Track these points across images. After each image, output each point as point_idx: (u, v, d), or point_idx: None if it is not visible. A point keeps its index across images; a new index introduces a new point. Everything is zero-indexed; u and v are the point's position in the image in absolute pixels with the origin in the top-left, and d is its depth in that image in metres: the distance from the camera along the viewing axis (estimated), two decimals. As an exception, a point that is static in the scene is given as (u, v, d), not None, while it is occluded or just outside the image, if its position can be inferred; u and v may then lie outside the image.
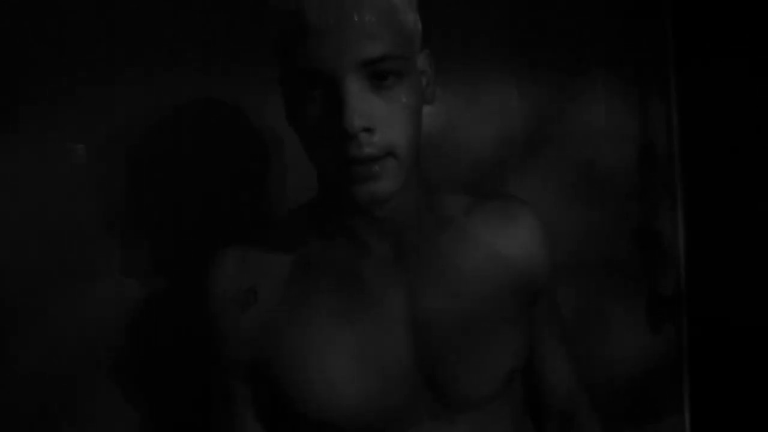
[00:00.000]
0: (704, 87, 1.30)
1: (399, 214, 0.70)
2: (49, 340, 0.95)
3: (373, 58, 0.59)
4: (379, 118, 0.60)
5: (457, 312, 0.71)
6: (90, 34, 0.95)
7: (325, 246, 0.72)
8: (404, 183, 0.64)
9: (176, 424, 1.01)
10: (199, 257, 0.77)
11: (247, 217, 1.04)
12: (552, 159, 1.26)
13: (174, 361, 0.99)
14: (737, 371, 1.26)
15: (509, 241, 0.76)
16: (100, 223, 0.97)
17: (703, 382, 1.36)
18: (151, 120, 0.99)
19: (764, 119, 1.15)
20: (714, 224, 1.31)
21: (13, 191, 0.92)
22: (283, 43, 0.61)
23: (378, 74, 0.60)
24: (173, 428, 1.01)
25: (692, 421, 1.38)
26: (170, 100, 0.99)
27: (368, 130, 0.59)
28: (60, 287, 0.95)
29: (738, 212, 1.24)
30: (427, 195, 0.74)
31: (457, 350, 0.70)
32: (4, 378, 0.93)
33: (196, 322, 0.76)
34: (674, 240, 1.37)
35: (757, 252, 1.19)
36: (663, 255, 1.36)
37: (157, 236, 1.00)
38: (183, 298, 0.94)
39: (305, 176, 0.76)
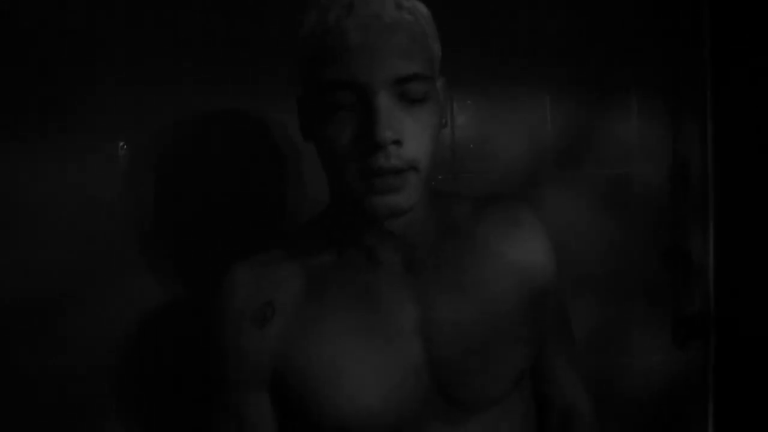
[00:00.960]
0: (740, 107, 1.29)
1: (410, 226, 0.73)
2: (71, 340, 0.99)
3: (406, 76, 0.63)
4: (407, 133, 0.63)
5: (467, 318, 0.73)
6: (122, 42, 1.00)
7: (337, 258, 0.75)
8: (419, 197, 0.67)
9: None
10: (219, 266, 0.78)
11: (267, 226, 1.07)
12: (583, 174, 1.27)
13: (188, 369, 1.02)
14: (763, 391, 1.25)
15: (515, 244, 0.79)
16: (124, 228, 1.01)
17: (727, 401, 1.35)
18: (176, 130, 1.03)
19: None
20: (744, 244, 1.30)
21: (36, 195, 0.97)
22: (315, 57, 0.64)
23: (407, 93, 0.63)
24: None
25: (716, 441, 1.38)
26: (192, 112, 1.04)
27: (397, 142, 0.62)
28: (82, 288, 0.99)
29: (770, 234, 1.23)
30: (433, 204, 0.77)
31: (468, 356, 0.72)
32: (23, 376, 0.97)
33: (207, 339, 0.75)
34: (704, 259, 1.36)
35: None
36: (692, 273, 1.35)
37: (179, 243, 1.04)
38: (200, 306, 0.96)
39: (321, 189, 0.78)
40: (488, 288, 0.75)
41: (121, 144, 1.00)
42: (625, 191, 1.29)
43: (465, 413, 0.73)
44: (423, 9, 0.68)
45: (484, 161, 1.19)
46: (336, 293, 0.73)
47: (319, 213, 0.80)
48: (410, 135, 0.63)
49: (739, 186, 1.31)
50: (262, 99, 1.05)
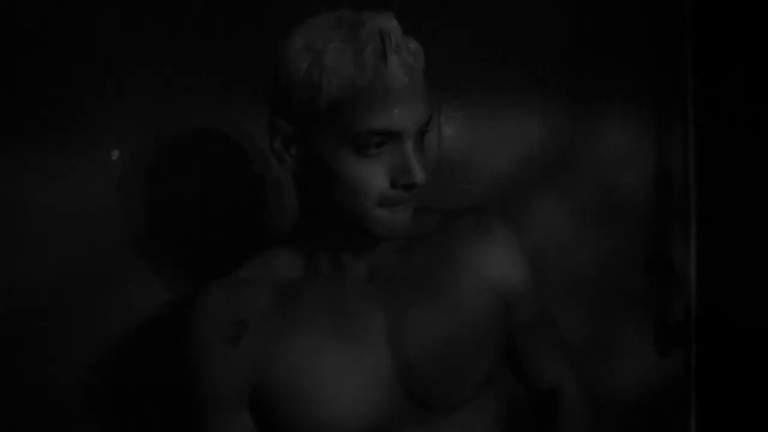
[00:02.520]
0: (722, 116, 1.32)
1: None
2: (66, 346, 0.99)
3: (428, 119, 0.68)
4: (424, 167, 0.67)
5: (434, 325, 0.75)
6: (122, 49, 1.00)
7: (307, 272, 0.76)
8: None
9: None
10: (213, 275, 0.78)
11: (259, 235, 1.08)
12: (569, 184, 1.29)
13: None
14: (745, 397, 1.28)
15: (481, 251, 0.80)
16: (120, 236, 1.01)
17: (710, 407, 1.38)
18: (172, 140, 1.04)
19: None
20: (726, 252, 1.32)
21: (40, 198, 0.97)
22: (339, 104, 0.64)
23: (421, 129, 0.67)
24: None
25: (698, 446, 1.40)
26: (187, 121, 1.04)
27: None
28: (79, 294, 0.99)
29: (750, 242, 1.25)
30: None
31: (435, 361, 0.74)
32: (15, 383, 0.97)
33: (184, 360, 0.75)
34: (686, 266, 1.38)
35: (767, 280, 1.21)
36: (674, 280, 1.37)
37: (174, 251, 1.04)
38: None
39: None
40: (454, 295, 0.77)
41: (116, 152, 1.00)
42: (608, 200, 1.32)
43: (437, 416, 0.74)
44: (417, 45, 0.70)
45: (472, 171, 1.20)
46: (306, 306, 0.74)
47: (285, 234, 0.81)
48: (425, 174, 0.67)
49: (720, 194, 1.33)
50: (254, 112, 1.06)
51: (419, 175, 0.65)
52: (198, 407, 0.74)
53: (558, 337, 0.90)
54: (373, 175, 0.66)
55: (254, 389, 0.72)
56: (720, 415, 1.35)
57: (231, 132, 1.06)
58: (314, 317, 0.73)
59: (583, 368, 0.90)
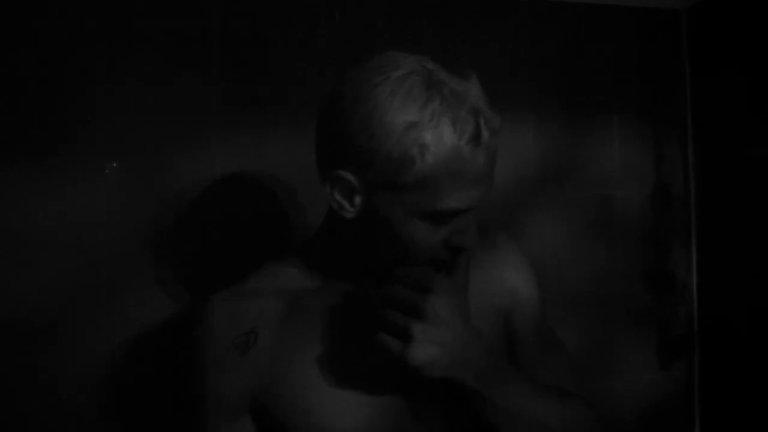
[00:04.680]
0: (720, 130, 1.33)
1: None
2: (70, 358, 0.99)
3: None
4: None
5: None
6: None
7: (318, 284, 0.77)
8: None
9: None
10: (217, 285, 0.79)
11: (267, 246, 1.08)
12: (568, 197, 1.29)
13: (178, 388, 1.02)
14: (748, 409, 1.27)
15: (490, 268, 0.82)
16: (127, 245, 1.02)
17: (713, 420, 1.37)
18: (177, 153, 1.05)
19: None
20: (726, 265, 1.33)
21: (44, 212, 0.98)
22: (433, 184, 0.64)
23: None
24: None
25: (702, 459, 1.39)
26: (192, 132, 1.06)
27: None
28: (84, 304, 1.00)
29: (750, 253, 1.26)
30: None
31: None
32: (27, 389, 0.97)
33: (190, 368, 0.76)
34: (688, 280, 1.38)
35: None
36: (676, 294, 1.37)
37: (179, 262, 1.05)
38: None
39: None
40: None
41: (112, 165, 1.01)
42: (608, 213, 1.32)
43: (439, 430, 0.75)
44: (498, 119, 0.69)
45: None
46: (315, 317, 0.75)
47: (298, 246, 0.82)
48: (477, 238, 0.70)
49: (720, 207, 1.34)
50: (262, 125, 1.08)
51: (473, 241, 0.68)
52: (202, 415, 0.74)
53: (564, 355, 0.89)
54: (432, 239, 0.67)
55: (258, 399, 0.72)
56: (723, 428, 1.34)
57: (242, 145, 1.08)
58: (322, 330, 0.74)
59: (584, 383, 0.90)
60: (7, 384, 0.97)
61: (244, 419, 0.73)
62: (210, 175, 1.06)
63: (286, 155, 1.08)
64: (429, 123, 0.61)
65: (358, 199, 0.67)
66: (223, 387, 0.72)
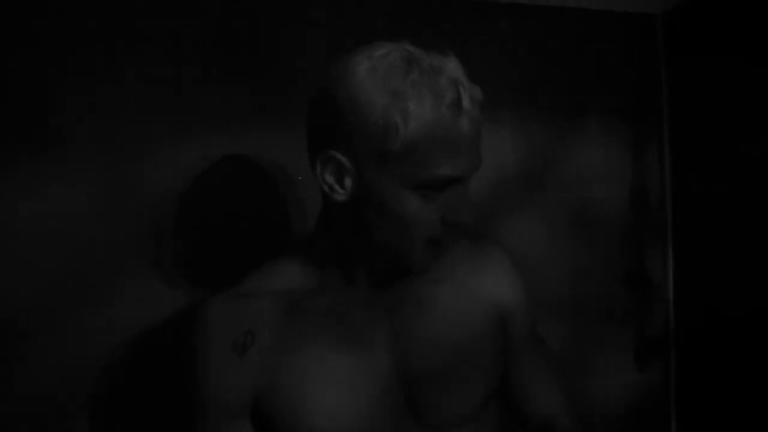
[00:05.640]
0: (696, 132, 1.34)
1: None
2: (58, 359, 0.98)
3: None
4: None
5: (436, 343, 0.77)
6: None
7: (317, 285, 0.77)
8: None
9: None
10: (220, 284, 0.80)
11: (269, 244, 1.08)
12: (546, 200, 1.30)
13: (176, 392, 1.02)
14: (723, 410, 1.28)
15: (482, 277, 0.83)
16: (128, 241, 1.02)
17: (689, 420, 1.38)
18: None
19: (753, 166, 1.19)
20: (702, 266, 1.34)
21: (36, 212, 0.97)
22: (418, 151, 0.65)
23: None
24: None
25: (679, 460, 1.40)
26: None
27: None
28: (79, 303, 0.99)
29: (726, 256, 1.27)
30: None
31: (435, 378, 0.75)
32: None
33: (189, 369, 0.76)
34: (664, 282, 1.40)
35: (744, 295, 1.22)
36: (652, 295, 1.38)
37: (179, 258, 1.05)
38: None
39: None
40: (456, 316, 0.79)
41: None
42: (585, 216, 1.33)
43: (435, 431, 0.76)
44: (481, 93, 0.71)
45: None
46: (313, 319, 0.74)
47: (296, 245, 0.82)
48: (472, 212, 0.71)
49: (696, 209, 1.35)
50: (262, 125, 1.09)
51: (468, 214, 0.68)
52: (200, 415, 0.74)
53: (555, 368, 0.90)
54: (428, 214, 0.68)
55: (257, 399, 0.72)
56: (699, 428, 1.36)
57: (240, 142, 1.08)
58: (320, 330, 0.74)
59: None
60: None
61: (243, 420, 0.73)
62: (210, 174, 1.06)
63: (287, 155, 1.08)
64: (410, 91, 0.64)
65: (348, 181, 0.68)
66: (222, 387, 0.72)
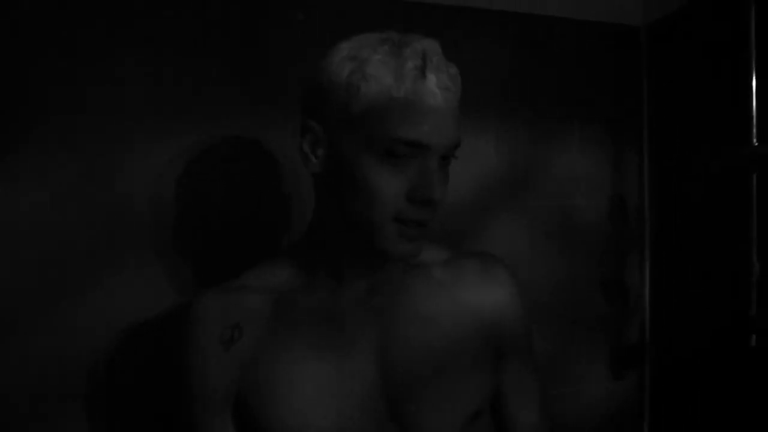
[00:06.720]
0: (675, 144, 1.36)
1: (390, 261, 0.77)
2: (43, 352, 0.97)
3: (457, 143, 0.70)
4: (443, 192, 0.69)
5: (424, 352, 0.76)
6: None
7: (307, 283, 0.77)
8: None
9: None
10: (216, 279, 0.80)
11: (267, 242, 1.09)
12: (527, 206, 1.31)
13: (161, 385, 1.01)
14: (697, 420, 1.30)
15: (481, 294, 0.82)
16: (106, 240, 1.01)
17: (663, 430, 1.40)
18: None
19: (730, 178, 1.20)
20: (679, 276, 1.36)
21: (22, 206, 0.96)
22: (375, 112, 0.66)
23: (446, 154, 0.69)
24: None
25: (652, 467, 1.42)
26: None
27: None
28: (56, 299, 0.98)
29: (702, 265, 1.29)
30: None
31: (421, 388, 0.74)
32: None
33: (176, 361, 0.77)
34: (641, 291, 1.41)
35: (719, 305, 1.23)
36: (629, 304, 1.40)
37: (179, 253, 1.05)
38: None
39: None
40: (448, 328, 0.78)
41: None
42: (563, 225, 1.34)
43: None
44: (457, 71, 0.72)
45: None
46: (301, 316, 0.75)
47: (291, 244, 0.84)
48: (443, 193, 0.69)
49: (674, 220, 1.37)
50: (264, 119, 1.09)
51: (437, 192, 0.66)
52: (186, 407, 0.75)
53: (542, 395, 0.89)
54: (393, 186, 0.67)
55: (237, 394, 0.73)
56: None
57: (237, 138, 1.08)
58: (306, 329, 0.74)
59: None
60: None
61: (226, 414, 0.74)
62: (210, 173, 1.06)
63: (287, 155, 1.08)
64: (374, 57, 0.67)
65: (320, 151, 0.71)
66: (207, 379, 0.73)
